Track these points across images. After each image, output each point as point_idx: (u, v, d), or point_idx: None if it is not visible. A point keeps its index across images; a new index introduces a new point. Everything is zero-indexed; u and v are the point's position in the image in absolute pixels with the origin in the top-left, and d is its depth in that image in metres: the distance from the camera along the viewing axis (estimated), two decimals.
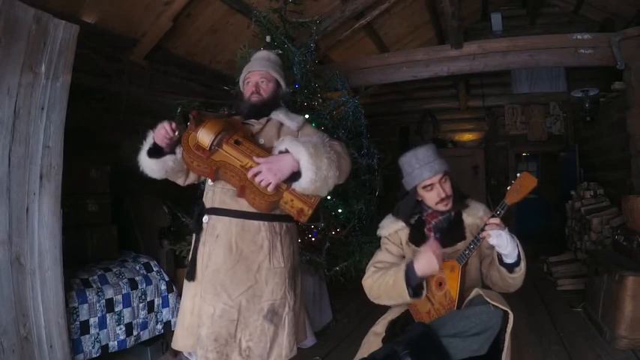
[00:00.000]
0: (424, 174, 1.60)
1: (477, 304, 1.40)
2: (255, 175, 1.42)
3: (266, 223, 1.57)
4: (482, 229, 1.46)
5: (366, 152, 3.19)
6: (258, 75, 1.74)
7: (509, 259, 1.46)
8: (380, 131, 6.69)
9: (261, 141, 1.62)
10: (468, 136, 7.24)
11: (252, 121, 1.69)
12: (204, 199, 1.66)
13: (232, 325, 1.51)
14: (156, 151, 1.59)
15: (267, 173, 1.42)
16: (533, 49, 3.74)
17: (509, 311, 1.35)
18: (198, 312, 1.55)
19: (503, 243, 1.42)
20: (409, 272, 1.52)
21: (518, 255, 1.46)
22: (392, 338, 1.50)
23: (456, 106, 7.22)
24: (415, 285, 1.52)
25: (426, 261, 1.47)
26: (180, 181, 1.75)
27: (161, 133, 1.53)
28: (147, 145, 1.61)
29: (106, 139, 3.20)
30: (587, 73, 5.95)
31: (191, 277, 1.60)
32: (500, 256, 1.48)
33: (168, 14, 3.32)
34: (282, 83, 1.81)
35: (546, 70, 6.61)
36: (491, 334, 1.34)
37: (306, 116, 3.09)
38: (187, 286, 1.63)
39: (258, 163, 1.45)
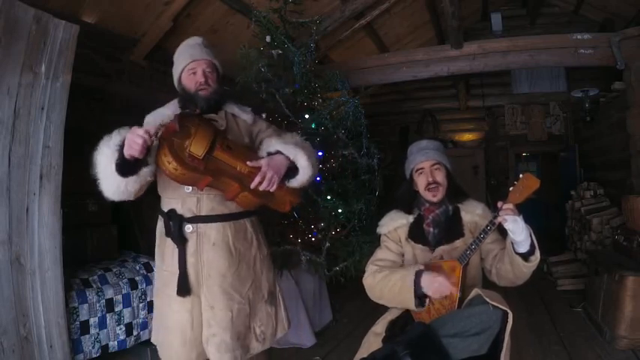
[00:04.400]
0: (417, 158, 1.71)
1: (477, 304, 1.40)
2: (262, 179, 1.45)
3: (249, 219, 1.65)
4: (496, 216, 1.46)
5: (366, 152, 3.19)
6: (204, 63, 1.61)
7: (522, 248, 1.46)
8: (380, 131, 6.69)
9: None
10: (468, 136, 7.24)
11: (213, 115, 1.60)
12: (175, 208, 1.52)
13: (247, 319, 1.59)
14: (128, 166, 1.33)
15: (271, 173, 1.47)
16: (533, 49, 3.73)
17: (509, 311, 1.36)
18: (208, 322, 1.51)
19: (519, 229, 1.42)
20: (416, 282, 1.53)
21: (531, 244, 1.45)
22: (392, 338, 1.51)
23: (456, 106, 7.22)
24: (419, 293, 1.53)
25: (430, 284, 1.50)
26: (133, 197, 1.46)
27: (138, 143, 1.25)
28: (111, 161, 1.32)
29: None
30: (587, 73, 5.95)
31: (186, 291, 1.50)
32: (512, 246, 1.47)
33: (168, 14, 3.32)
34: (220, 70, 1.68)
35: (546, 70, 6.60)
36: (490, 334, 1.35)
37: (306, 116, 3.10)
38: (180, 302, 1.51)
39: (251, 167, 1.48)
